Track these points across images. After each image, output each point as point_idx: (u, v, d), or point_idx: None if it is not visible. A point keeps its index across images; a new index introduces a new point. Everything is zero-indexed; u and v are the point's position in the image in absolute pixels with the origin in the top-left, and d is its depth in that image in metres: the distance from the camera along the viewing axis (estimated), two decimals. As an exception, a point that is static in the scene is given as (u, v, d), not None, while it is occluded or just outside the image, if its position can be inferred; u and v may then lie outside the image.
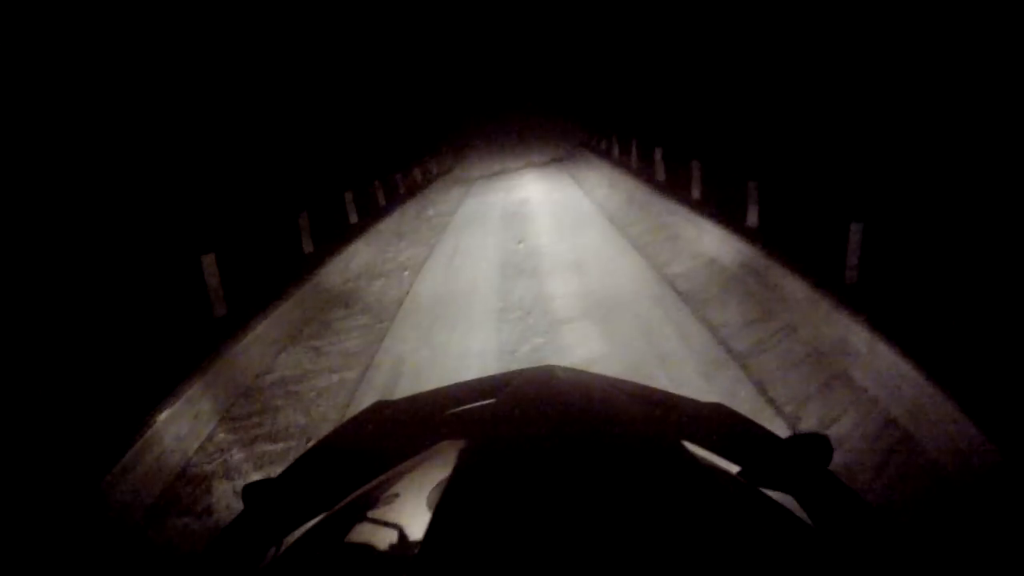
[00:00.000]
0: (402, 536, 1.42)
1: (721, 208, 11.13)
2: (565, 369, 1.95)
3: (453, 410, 1.69)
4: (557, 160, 27.79)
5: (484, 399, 1.69)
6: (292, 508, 1.37)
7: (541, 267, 10.25)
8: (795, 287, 7.18)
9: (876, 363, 5.43)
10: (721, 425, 1.69)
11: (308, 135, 22.85)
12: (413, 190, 21.16)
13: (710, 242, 10.00)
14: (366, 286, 10.19)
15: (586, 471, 1.19)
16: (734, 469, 1.43)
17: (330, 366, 6.95)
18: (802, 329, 6.71)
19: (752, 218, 10.41)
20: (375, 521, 1.43)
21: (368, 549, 1.38)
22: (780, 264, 7.71)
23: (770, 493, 1.34)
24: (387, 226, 14.74)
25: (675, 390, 1.95)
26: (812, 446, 1.47)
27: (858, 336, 5.74)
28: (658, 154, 16.65)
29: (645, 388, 1.90)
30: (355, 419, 1.91)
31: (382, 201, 17.77)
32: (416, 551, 1.06)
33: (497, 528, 1.06)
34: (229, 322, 7.25)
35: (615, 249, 10.99)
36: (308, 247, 11.42)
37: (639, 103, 27.82)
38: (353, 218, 14.64)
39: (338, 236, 12.52)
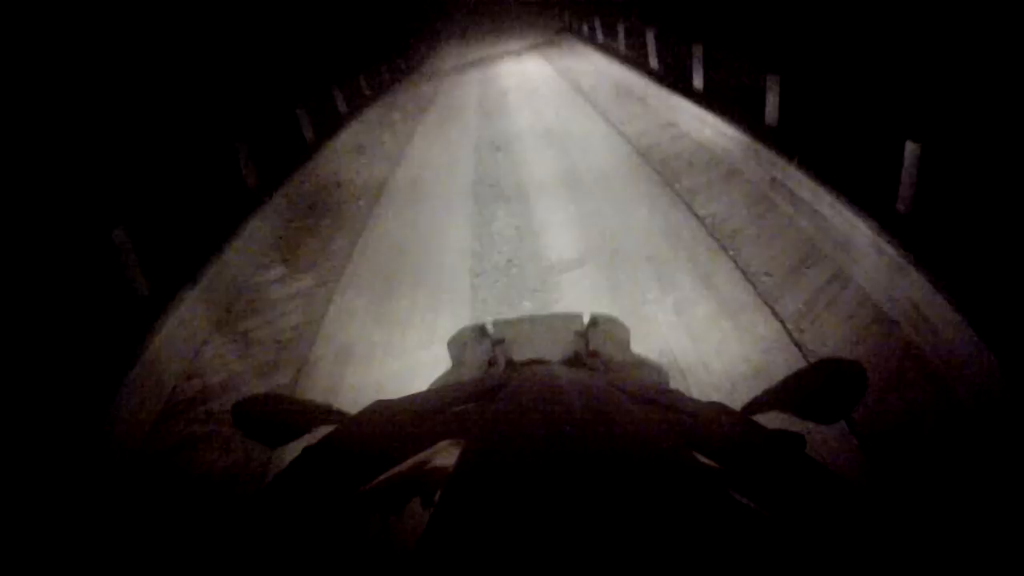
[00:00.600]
0: (401, 537, 1.27)
1: (730, 102, 9.50)
2: (565, 369, 1.79)
3: (453, 410, 1.46)
4: (535, 47, 25.09)
5: (484, 399, 1.46)
6: (289, 509, 1.21)
7: (525, 186, 8.63)
8: (843, 219, 5.75)
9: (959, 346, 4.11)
10: (722, 425, 1.47)
11: (253, 41, 20.31)
12: (379, 91, 19.19)
13: (726, 146, 8.41)
14: (313, 225, 8.57)
15: (586, 471, 1.01)
16: (734, 469, 1.20)
17: (259, 364, 5.54)
18: (860, 279, 5.34)
19: (771, 115, 8.80)
20: (374, 522, 1.25)
21: (366, 550, 1.28)
22: (815, 181, 6.24)
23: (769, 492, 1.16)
24: (345, 139, 12.92)
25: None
26: (845, 374, 1.39)
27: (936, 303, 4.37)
28: (650, 38, 14.62)
29: (645, 388, 1.70)
30: (354, 419, 1.60)
31: (343, 108, 16.01)
32: (415, 553, 0.91)
33: (497, 529, 0.91)
34: (151, 304, 5.85)
35: (615, 156, 9.31)
36: (251, 179, 9.71)
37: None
38: (308, 134, 12.91)
39: (288, 159, 10.82)
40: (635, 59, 15.67)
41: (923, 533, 1.01)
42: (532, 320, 2.33)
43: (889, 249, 5.13)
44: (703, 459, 1.24)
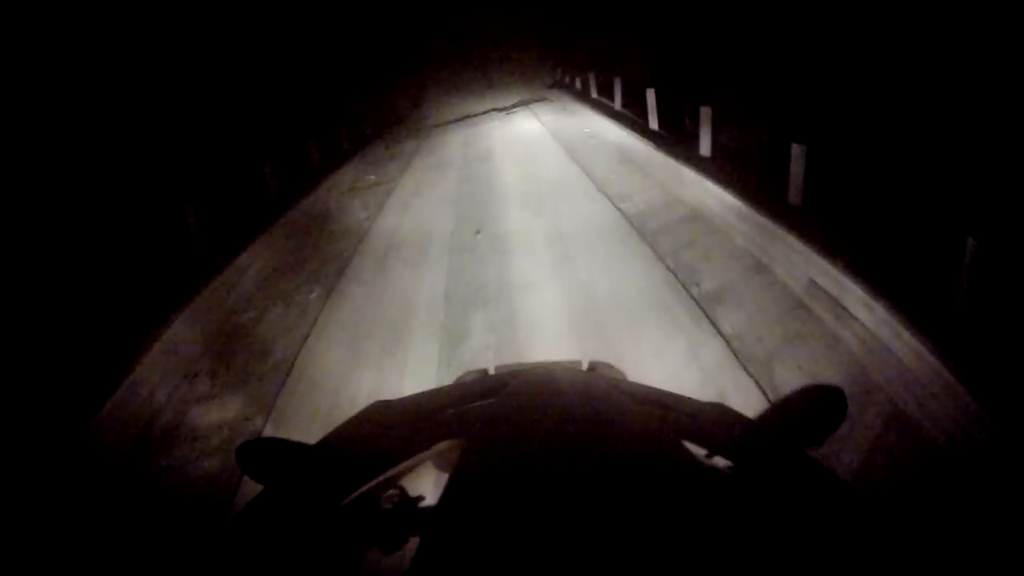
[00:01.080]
0: (402, 537, 1.36)
1: (742, 172, 8.21)
2: (565, 369, 1.97)
3: (453, 410, 1.67)
4: (526, 103, 23.91)
5: (484, 399, 1.69)
6: (290, 509, 1.35)
7: (508, 285, 7.10)
8: (900, 342, 4.49)
9: None
10: (721, 425, 1.69)
11: (228, 83, 19.10)
12: (357, 144, 18.02)
13: (746, 231, 7.07)
14: (252, 327, 7.05)
15: (586, 471, 1.17)
16: (734, 469, 1.39)
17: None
18: (923, 420, 4.04)
19: (794, 195, 7.51)
20: (374, 522, 1.39)
21: (367, 550, 1.32)
22: (864, 288, 4.96)
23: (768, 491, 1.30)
24: (312, 202, 11.59)
25: None
26: (826, 399, 1.47)
27: None
28: (651, 97, 13.46)
29: (645, 388, 1.87)
30: (355, 419, 1.86)
31: (316, 163, 14.83)
32: (416, 552, 1.07)
33: (497, 528, 1.05)
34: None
35: (618, 244, 7.82)
36: (200, 249, 8.31)
37: (619, 32, 24.17)
38: (273, 191, 11.67)
39: (245, 226, 9.47)
40: (633, 119, 14.52)
41: (916, 537, 1.10)
42: (533, 366, 2.23)
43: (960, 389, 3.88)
44: (703, 459, 1.33)
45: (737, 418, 1.74)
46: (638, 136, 12.72)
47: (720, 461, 1.42)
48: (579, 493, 1.10)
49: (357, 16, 32.49)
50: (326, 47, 27.37)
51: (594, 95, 19.98)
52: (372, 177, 14.10)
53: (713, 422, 1.71)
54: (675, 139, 11.77)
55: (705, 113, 10.42)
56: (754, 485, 1.29)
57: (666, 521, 1.04)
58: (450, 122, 21.97)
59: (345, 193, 12.81)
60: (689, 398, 1.83)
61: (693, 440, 1.40)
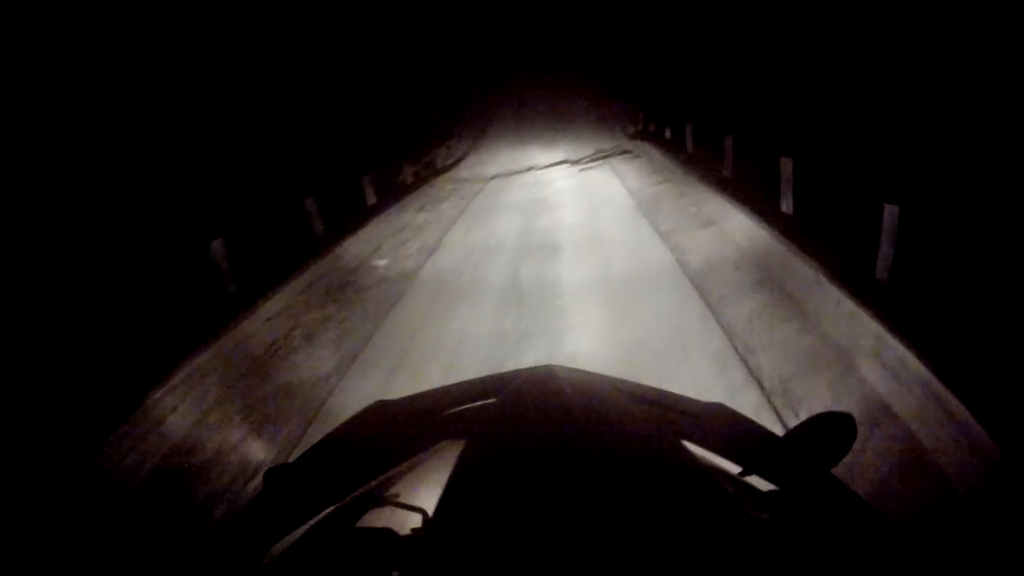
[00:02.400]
0: (402, 536, 1.32)
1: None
2: (565, 369, 1.86)
3: (453, 410, 1.65)
4: (604, 156, 19.33)
5: (484, 399, 1.66)
6: (291, 508, 1.32)
7: None
8: None
9: None
10: (721, 425, 1.66)
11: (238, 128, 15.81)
12: (388, 200, 14.69)
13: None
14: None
15: (586, 471, 1.14)
16: (734, 469, 1.37)
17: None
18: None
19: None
20: (375, 520, 1.36)
21: (367, 549, 1.28)
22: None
23: (770, 493, 1.28)
24: (276, 306, 7.76)
25: None
26: (836, 426, 1.45)
27: None
28: (787, 168, 9.25)
29: (645, 388, 1.84)
30: (355, 419, 1.83)
31: (319, 229, 11.35)
32: (416, 551, 1.07)
33: (497, 528, 1.03)
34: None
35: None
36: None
37: (732, 76, 19.80)
38: (232, 287, 8.05)
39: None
40: (750, 191, 10.27)
41: (912, 536, 1.06)
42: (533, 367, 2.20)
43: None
44: (702, 458, 1.33)
45: (737, 419, 1.71)
46: (759, 221, 8.65)
47: (721, 462, 1.42)
48: (579, 493, 1.07)
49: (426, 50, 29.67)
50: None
51: (690, 149, 15.85)
52: (381, 263, 10.11)
53: (713, 422, 1.68)
54: (818, 227, 7.56)
55: (890, 215, 6.20)
56: (789, 501, 1.23)
57: (666, 521, 1.01)
58: (507, 177, 17.62)
59: (334, 289, 8.89)
60: (689, 398, 1.83)
61: (693, 440, 1.40)
